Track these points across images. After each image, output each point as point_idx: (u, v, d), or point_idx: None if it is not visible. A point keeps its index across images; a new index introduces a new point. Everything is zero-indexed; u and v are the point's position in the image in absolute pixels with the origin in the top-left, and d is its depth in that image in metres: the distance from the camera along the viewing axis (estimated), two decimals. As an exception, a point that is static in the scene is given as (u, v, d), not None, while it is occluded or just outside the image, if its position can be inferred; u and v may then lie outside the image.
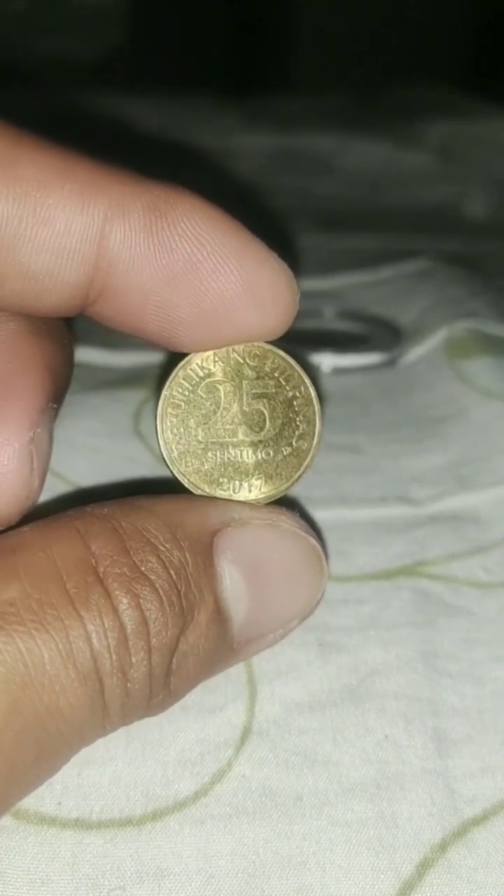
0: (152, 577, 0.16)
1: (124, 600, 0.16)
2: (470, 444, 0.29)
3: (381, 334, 0.37)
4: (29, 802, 0.18)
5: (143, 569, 0.16)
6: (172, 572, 0.17)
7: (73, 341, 0.20)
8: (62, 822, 0.17)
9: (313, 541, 0.19)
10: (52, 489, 0.25)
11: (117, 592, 0.16)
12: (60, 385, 0.19)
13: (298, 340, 0.32)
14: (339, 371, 0.34)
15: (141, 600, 0.16)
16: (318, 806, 0.18)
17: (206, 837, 0.17)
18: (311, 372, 0.20)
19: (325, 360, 0.34)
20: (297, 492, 0.27)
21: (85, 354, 0.33)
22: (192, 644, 0.17)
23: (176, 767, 0.18)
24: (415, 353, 0.35)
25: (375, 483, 0.27)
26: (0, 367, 0.18)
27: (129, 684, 0.16)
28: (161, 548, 0.17)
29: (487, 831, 0.18)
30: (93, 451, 0.27)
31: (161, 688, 0.17)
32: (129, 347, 0.33)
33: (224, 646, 0.18)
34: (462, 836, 0.18)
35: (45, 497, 0.24)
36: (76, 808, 0.18)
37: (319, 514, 0.26)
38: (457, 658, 0.21)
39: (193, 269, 0.18)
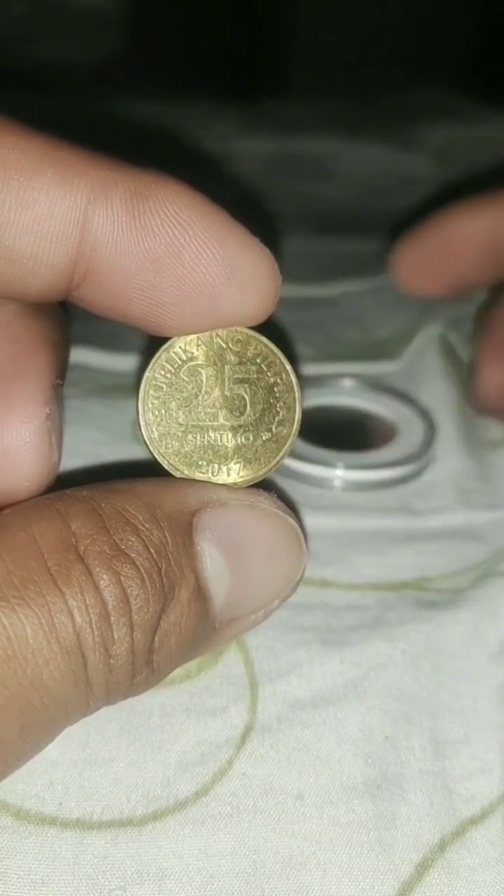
0: (132, 555, 0.16)
1: (105, 577, 0.16)
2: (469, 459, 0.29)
3: (410, 421, 0.30)
4: (30, 803, 0.18)
5: (123, 547, 0.16)
6: (153, 550, 0.17)
7: (67, 317, 0.21)
8: (63, 822, 0.17)
9: (291, 520, 0.19)
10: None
11: (98, 570, 0.16)
12: (63, 361, 0.20)
13: (308, 434, 0.28)
14: (352, 487, 0.28)
15: (122, 577, 0.16)
16: (320, 805, 0.18)
17: (207, 837, 0.18)
18: (293, 358, 0.20)
19: (337, 474, 0.27)
20: (299, 498, 0.27)
21: (84, 356, 0.33)
22: (174, 622, 0.17)
23: (177, 768, 0.19)
24: (411, 352, 0.35)
25: (377, 494, 0.28)
26: (6, 347, 0.18)
27: (111, 660, 0.16)
28: (141, 527, 0.17)
29: (486, 830, 0.18)
30: (93, 458, 0.27)
31: (144, 665, 0.17)
32: (128, 351, 0.33)
33: (206, 625, 0.18)
34: (460, 835, 0.18)
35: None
36: (77, 809, 0.18)
37: (321, 520, 0.26)
38: (456, 656, 0.22)
39: (176, 251, 0.18)
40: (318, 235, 0.51)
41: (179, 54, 1.17)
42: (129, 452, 0.28)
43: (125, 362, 0.34)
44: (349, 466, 0.28)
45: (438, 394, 0.32)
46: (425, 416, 0.31)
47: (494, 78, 0.94)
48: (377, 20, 1.19)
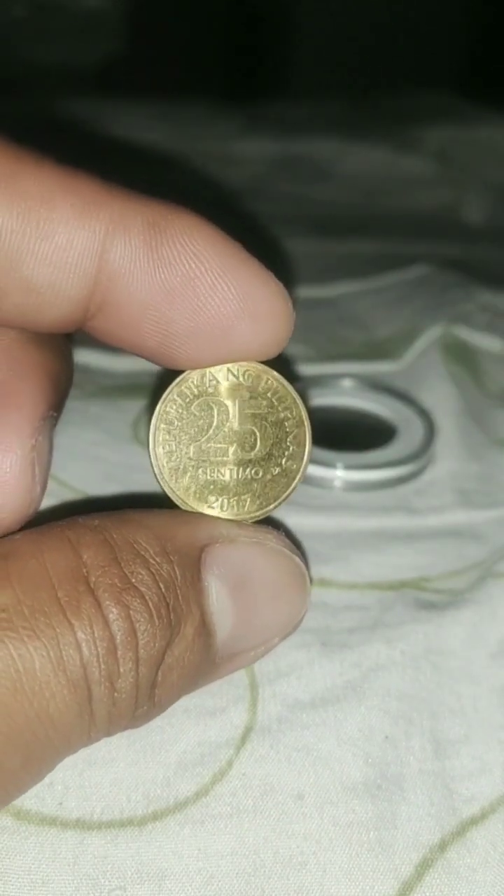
0: (142, 589, 0.16)
1: (114, 610, 0.16)
2: (469, 459, 0.30)
3: (409, 421, 0.31)
4: (30, 803, 0.18)
5: (133, 580, 0.16)
6: (161, 585, 0.17)
7: (72, 350, 0.20)
8: (63, 822, 0.17)
9: (298, 560, 0.19)
10: (55, 495, 0.25)
11: (107, 602, 0.16)
12: (61, 393, 0.19)
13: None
14: (352, 487, 0.28)
15: (131, 611, 0.16)
16: (320, 805, 0.18)
17: (207, 837, 0.18)
18: (303, 394, 0.20)
19: (338, 474, 0.28)
20: (299, 498, 0.27)
21: (84, 357, 0.33)
22: (177, 657, 0.17)
23: (177, 768, 0.19)
24: (412, 355, 0.36)
25: (377, 494, 0.28)
26: (1, 375, 0.18)
27: (116, 694, 0.16)
28: (151, 560, 0.17)
29: (486, 830, 0.18)
30: (94, 459, 0.27)
31: (146, 699, 0.17)
32: (126, 352, 0.33)
33: (208, 660, 0.18)
34: (461, 835, 0.18)
35: (46, 502, 0.24)
36: (77, 809, 0.18)
37: (321, 520, 0.26)
38: (455, 656, 0.22)
39: (191, 284, 0.18)
40: (318, 236, 0.51)
41: (180, 56, 1.17)
42: (128, 452, 0.28)
43: (125, 363, 0.34)
44: (349, 466, 0.28)
45: (439, 394, 0.32)
46: (425, 416, 0.31)
47: (493, 80, 0.94)
48: (377, 22, 1.20)
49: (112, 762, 0.18)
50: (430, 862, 0.18)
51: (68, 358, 0.20)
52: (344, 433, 0.30)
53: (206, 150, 0.64)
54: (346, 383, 0.32)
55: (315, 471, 0.27)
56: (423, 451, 0.29)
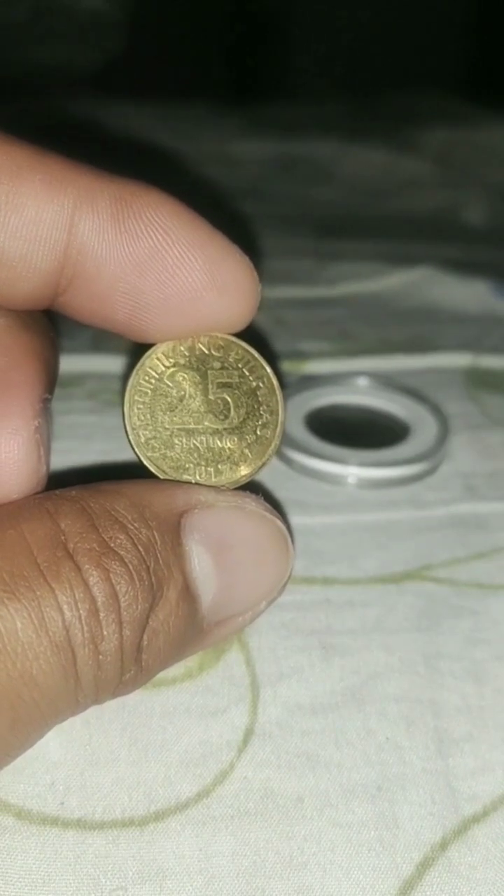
0: (121, 553, 0.17)
1: (94, 573, 0.16)
2: (479, 459, 0.30)
3: (423, 420, 0.31)
4: (32, 803, 0.18)
5: (112, 545, 0.17)
6: (141, 548, 0.17)
7: (57, 334, 0.21)
8: (64, 822, 0.17)
9: (279, 522, 0.19)
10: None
11: (87, 566, 0.16)
12: (52, 376, 0.20)
13: (323, 433, 0.29)
14: (366, 484, 0.28)
15: (111, 574, 0.16)
16: (320, 807, 0.18)
17: (208, 838, 0.18)
18: (273, 363, 0.20)
19: (352, 471, 0.28)
20: (312, 495, 0.27)
21: (98, 364, 0.34)
22: (162, 621, 0.17)
23: (178, 768, 0.19)
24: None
25: (388, 491, 0.28)
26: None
27: (100, 657, 0.16)
28: (129, 526, 0.17)
29: (487, 828, 0.18)
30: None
31: (132, 663, 0.17)
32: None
33: (194, 625, 0.18)
34: (462, 833, 0.18)
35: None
36: (79, 809, 0.18)
37: (328, 519, 0.26)
38: (459, 658, 0.22)
39: (159, 256, 0.18)
40: (319, 237, 0.52)
41: (181, 57, 1.17)
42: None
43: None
44: (363, 464, 0.28)
45: (455, 393, 0.33)
46: (439, 414, 0.31)
47: (494, 82, 0.94)
48: (378, 23, 1.20)
49: (114, 762, 0.18)
50: (431, 861, 0.18)
51: (54, 342, 0.20)
52: (358, 431, 0.31)
53: (207, 151, 0.64)
54: (361, 382, 0.33)
55: (329, 467, 0.28)
56: (437, 450, 0.29)
